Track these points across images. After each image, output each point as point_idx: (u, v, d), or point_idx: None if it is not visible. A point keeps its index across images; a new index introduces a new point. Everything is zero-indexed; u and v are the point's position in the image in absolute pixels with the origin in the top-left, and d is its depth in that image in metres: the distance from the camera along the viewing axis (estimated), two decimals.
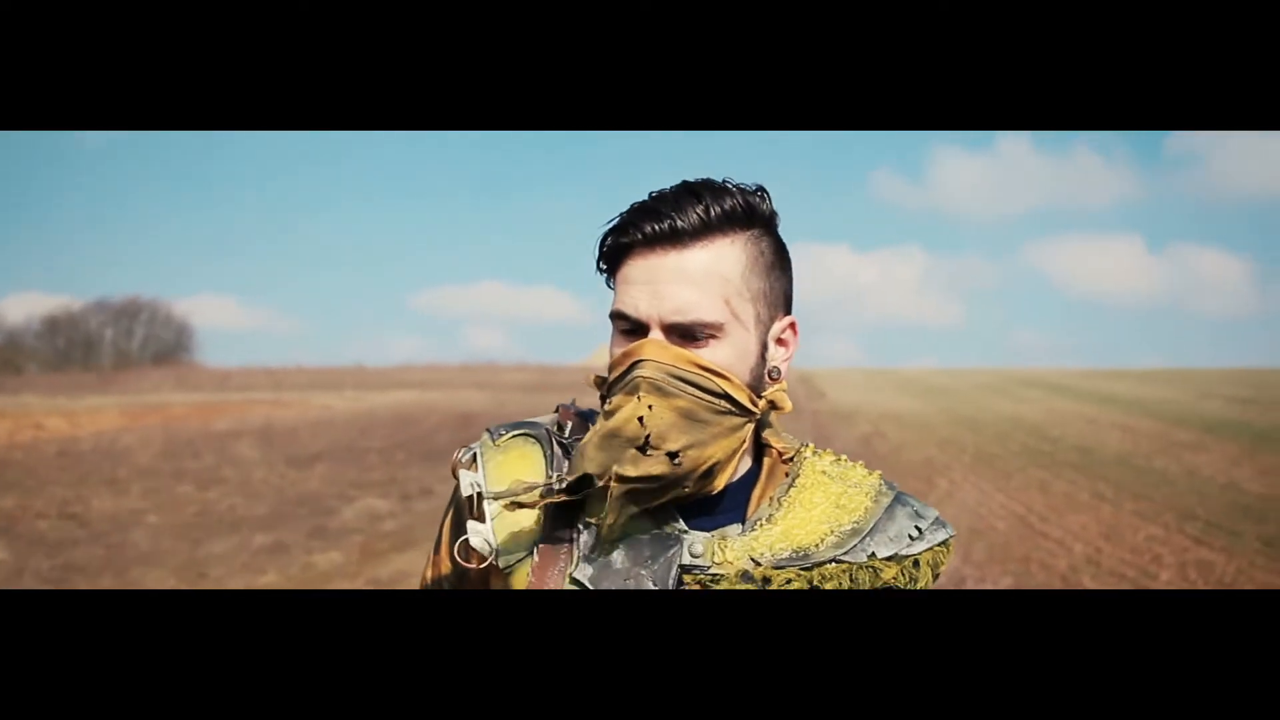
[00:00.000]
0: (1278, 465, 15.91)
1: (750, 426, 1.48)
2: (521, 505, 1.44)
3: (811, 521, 1.49)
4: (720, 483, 1.46)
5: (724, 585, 1.42)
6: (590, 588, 1.43)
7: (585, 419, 1.58)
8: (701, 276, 1.41)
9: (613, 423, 1.41)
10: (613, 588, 1.43)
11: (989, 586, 9.05)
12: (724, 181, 1.45)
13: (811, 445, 1.60)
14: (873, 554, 1.48)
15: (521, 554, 1.48)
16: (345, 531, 11.69)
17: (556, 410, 1.62)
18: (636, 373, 1.41)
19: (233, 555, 10.40)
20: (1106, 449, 18.70)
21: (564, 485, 1.43)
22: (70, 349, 57.21)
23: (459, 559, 1.52)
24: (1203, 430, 20.71)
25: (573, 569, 1.45)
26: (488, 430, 1.58)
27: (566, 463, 1.50)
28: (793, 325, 1.53)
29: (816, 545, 1.47)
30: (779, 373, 1.50)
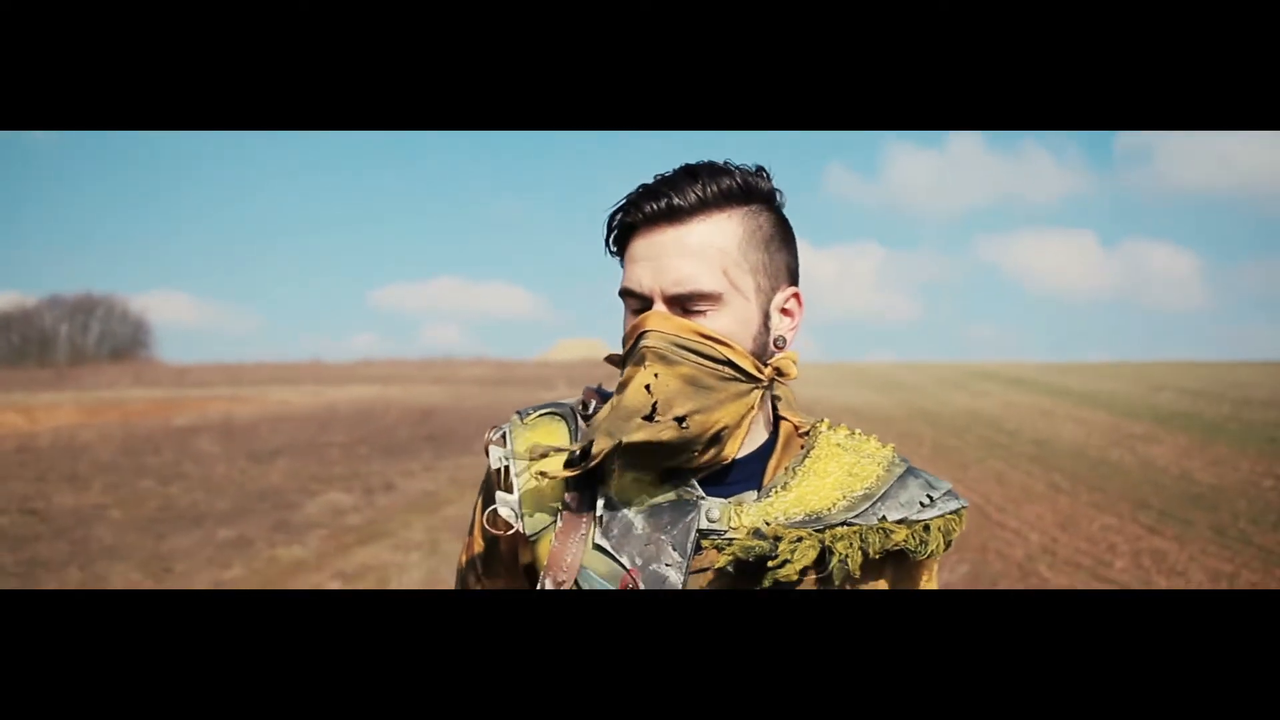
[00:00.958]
0: (1228, 456, 16.11)
1: (758, 394, 1.55)
2: (545, 475, 1.52)
3: (825, 489, 1.55)
4: (732, 450, 1.54)
5: (736, 545, 1.47)
6: (613, 551, 1.51)
7: (606, 399, 1.63)
8: (699, 249, 1.49)
9: (623, 393, 1.49)
10: (634, 551, 1.50)
11: (946, 575, 9.19)
12: (725, 163, 1.53)
13: (826, 420, 1.67)
14: (883, 517, 1.54)
15: (546, 522, 1.56)
16: (309, 525, 11.68)
17: (585, 391, 1.69)
18: (642, 343, 1.49)
19: (197, 549, 10.38)
20: (1062, 441, 18.89)
21: (578, 451, 1.50)
22: (25, 345, 56.59)
23: (489, 527, 1.60)
24: (1155, 422, 20.96)
25: (595, 535, 1.53)
26: (517, 412, 1.67)
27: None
28: (796, 296, 1.59)
29: (829, 509, 1.53)
30: (784, 341, 1.57)
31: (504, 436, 1.63)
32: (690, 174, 1.51)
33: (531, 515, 1.57)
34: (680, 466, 1.52)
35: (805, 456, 1.60)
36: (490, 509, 1.60)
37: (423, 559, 9.71)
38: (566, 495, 1.56)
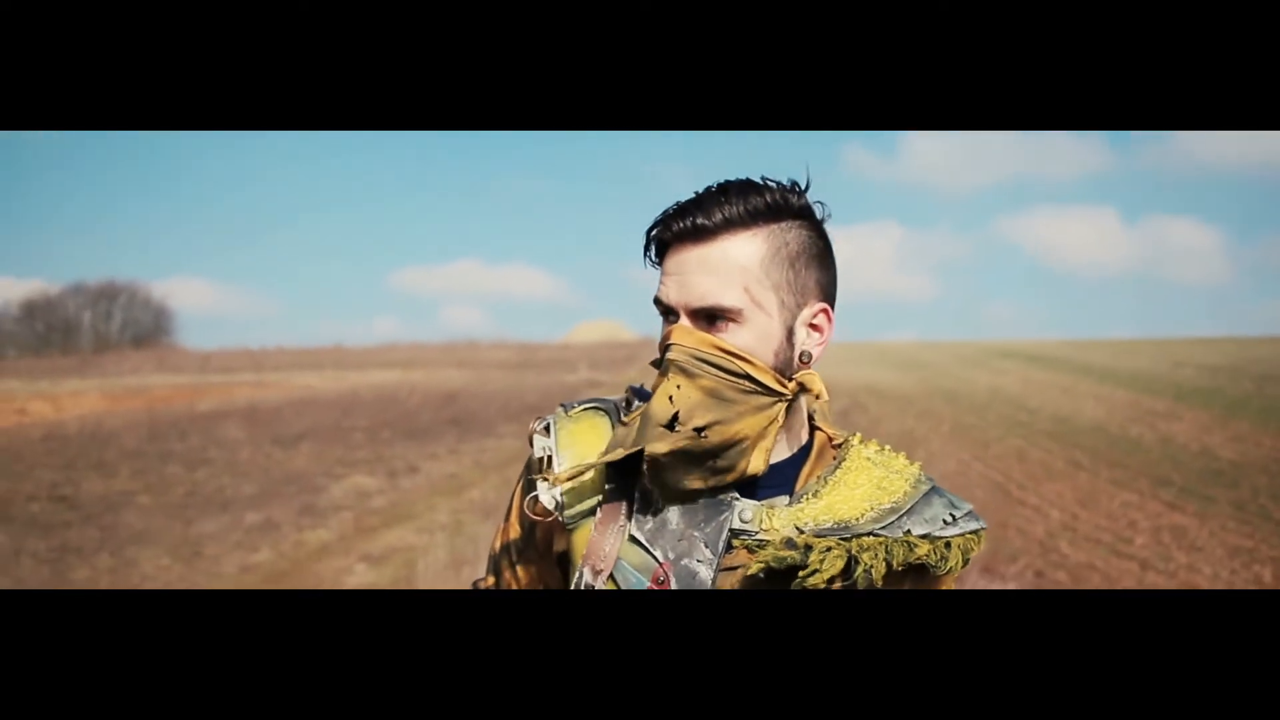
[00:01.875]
0: (1249, 432, 16.10)
1: (781, 407, 1.58)
2: (581, 467, 1.61)
3: (854, 500, 1.60)
4: (760, 463, 1.57)
5: (769, 550, 1.52)
6: (647, 544, 1.57)
7: (645, 398, 1.67)
8: (721, 267, 1.54)
9: (650, 403, 1.56)
10: (667, 546, 1.57)
11: None
12: (762, 179, 1.58)
13: (859, 435, 1.71)
14: (908, 531, 1.58)
15: (585, 512, 1.63)
16: (334, 509, 11.82)
17: (627, 390, 1.74)
18: (668, 355, 1.55)
19: (225, 534, 10.53)
20: (1083, 418, 18.87)
21: (603, 459, 1.59)
22: (49, 333, 56.81)
23: (529, 513, 1.66)
24: (1176, 399, 20.91)
25: (631, 528, 1.59)
26: (561, 405, 1.73)
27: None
28: (826, 311, 1.63)
29: (857, 519, 1.58)
30: (810, 357, 1.61)
31: (548, 427, 1.69)
32: (721, 192, 1.56)
33: (571, 505, 1.63)
34: (713, 481, 1.57)
35: (837, 467, 1.64)
36: (531, 495, 1.65)
37: (447, 540, 9.80)
38: (606, 488, 1.63)
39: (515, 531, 1.76)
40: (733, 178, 1.59)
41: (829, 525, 1.57)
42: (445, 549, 9.43)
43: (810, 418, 1.70)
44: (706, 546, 1.56)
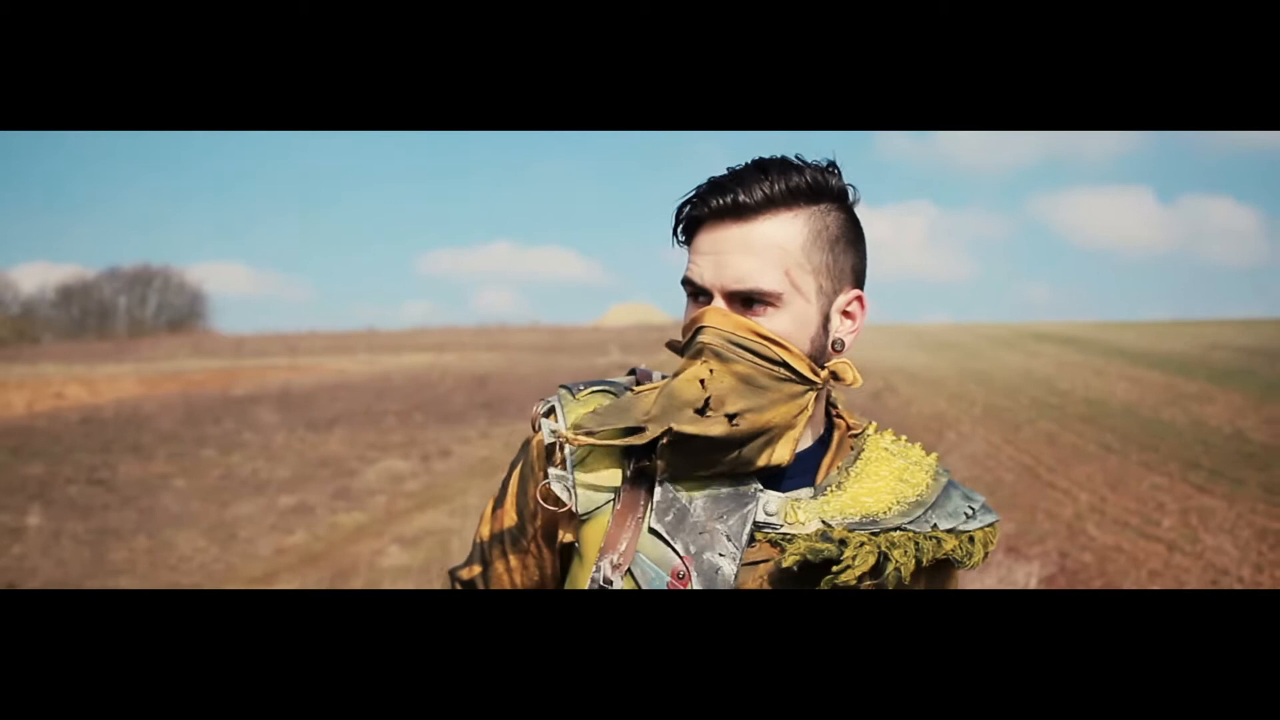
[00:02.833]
0: None
1: (812, 396, 1.53)
2: (595, 442, 1.51)
3: (878, 492, 1.55)
4: (788, 453, 1.52)
5: (801, 544, 1.47)
6: (667, 537, 1.49)
7: (648, 381, 1.63)
8: (762, 248, 1.48)
9: (675, 382, 1.49)
10: (688, 539, 1.49)
11: None
12: (797, 158, 1.51)
13: (874, 424, 1.66)
14: (935, 525, 1.54)
15: (600, 502, 1.54)
16: (368, 492, 11.94)
17: (632, 372, 1.68)
18: (700, 338, 1.48)
19: (261, 516, 10.66)
20: (1114, 401, 18.80)
21: (629, 427, 1.50)
22: (85, 318, 57.35)
23: (543, 502, 1.57)
24: (1209, 381, 20.80)
25: (650, 520, 1.51)
26: (564, 386, 1.65)
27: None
28: (860, 299, 1.58)
29: (884, 513, 1.53)
30: (843, 345, 1.56)
31: (552, 411, 1.62)
32: (760, 170, 1.50)
33: (584, 494, 1.55)
34: (736, 471, 1.51)
35: (856, 458, 1.60)
36: (543, 484, 1.57)
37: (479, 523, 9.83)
38: (625, 477, 1.54)
39: (511, 519, 1.66)
40: (764, 155, 1.53)
41: (856, 519, 1.52)
42: None
43: (830, 406, 1.64)
44: (729, 540, 1.49)
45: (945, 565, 1.58)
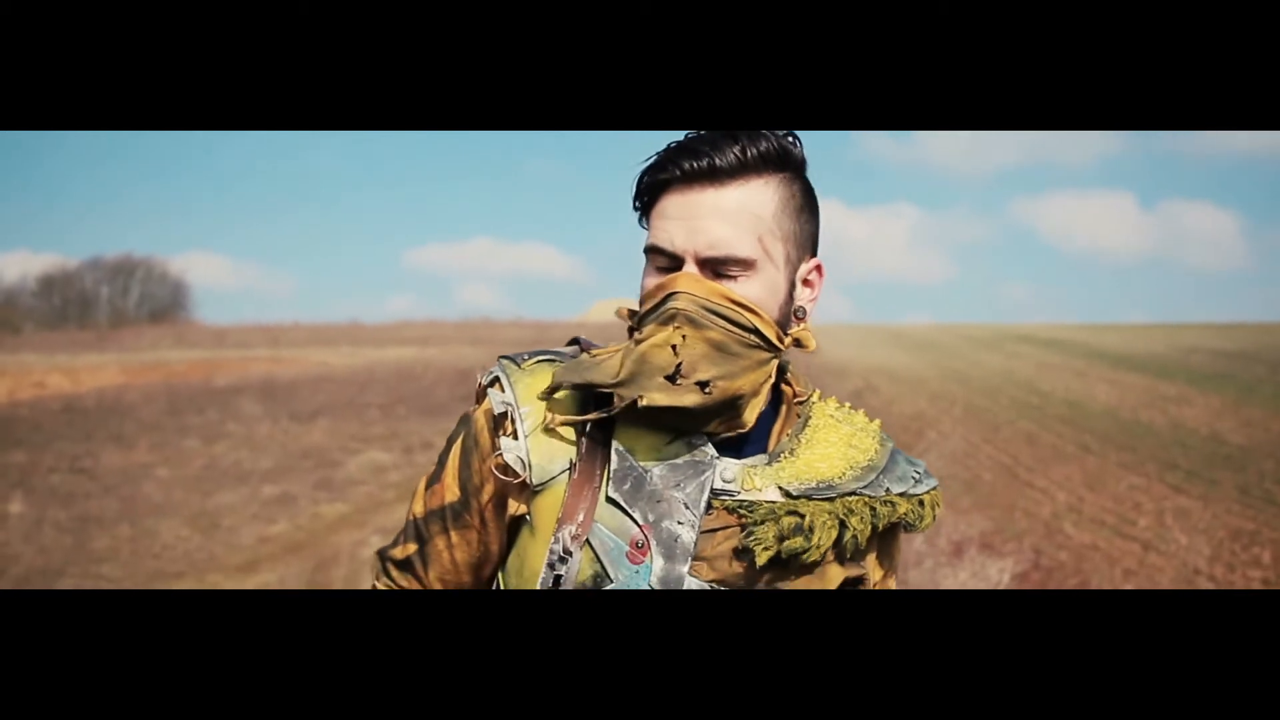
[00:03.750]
0: (1260, 418, 16.13)
1: (775, 363, 1.54)
2: (556, 421, 1.51)
3: (830, 458, 1.56)
4: (750, 418, 1.52)
5: (762, 511, 1.48)
6: (625, 506, 1.48)
7: (589, 350, 1.60)
8: (736, 214, 1.46)
9: (643, 347, 1.46)
10: (646, 507, 1.48)
11: (964, 529, 9.36)
12: (761, 130, 1.51)
13: (818, 390, 1.66)
14: (888, 489, 1.56)
15: (554, 473, 1.52)
16: (350, 483, 11.96)
17: (574, 342, 1.65)
18: (671, 304, 1.45)
19: (243, 506, 10.67)
20: (1094, 402, 18.90)
21: (598, 401, 1.51)
22: (66, 307, 57.07)
23: (497, 473, 1.54)
24: (1188, 384, 20.94)
25: (607, 489, 1.50)
26: (506, 357, 1.61)
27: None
28: (819, 267, 1.58)
29: (839, 478, 1.54)
30: (804, 313, 1.56)
31: (497, 381, 1.59)
32: (729, 135, 1.48)
33: (538, 465, 1.52)
34: (698, 431, 1.51)
35: (805, 425, 1.60)
36: (496, 455, 1.54)
37: None
38: (580, 446, 1.52)
39: (453, 494, 1.60)
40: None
41: (813, 485, 1.52)
42: None
43: (780, 371, 1.61)
44: (688, 508, 1.49)
45: (894, 529, 1.61)
